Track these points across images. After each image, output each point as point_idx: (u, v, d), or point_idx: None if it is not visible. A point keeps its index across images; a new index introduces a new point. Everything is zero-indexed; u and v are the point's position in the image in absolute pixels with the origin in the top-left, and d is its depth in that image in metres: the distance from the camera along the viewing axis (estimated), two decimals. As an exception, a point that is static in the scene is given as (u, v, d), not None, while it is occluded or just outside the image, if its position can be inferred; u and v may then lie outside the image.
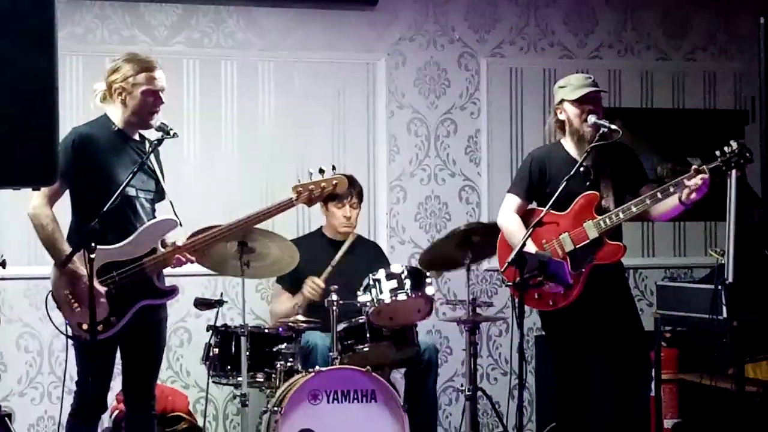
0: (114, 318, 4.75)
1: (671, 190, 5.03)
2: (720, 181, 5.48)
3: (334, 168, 5.14)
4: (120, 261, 4.76)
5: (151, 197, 4.96)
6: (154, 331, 4.97)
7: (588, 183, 5.22)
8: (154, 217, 4.94)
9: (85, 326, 4.63)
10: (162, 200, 5.03)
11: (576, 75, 5.41)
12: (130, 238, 4.79)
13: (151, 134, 4.86)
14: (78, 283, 4.66)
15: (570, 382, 5.31)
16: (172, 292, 4.93)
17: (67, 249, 4.66)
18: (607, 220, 5.13)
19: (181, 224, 4.89)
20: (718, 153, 4.97)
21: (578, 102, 5.24)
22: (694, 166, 4.97)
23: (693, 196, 4.97)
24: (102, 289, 4.67)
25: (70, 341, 4.80)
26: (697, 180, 4.93)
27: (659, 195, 5.06)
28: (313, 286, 6.08)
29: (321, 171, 5.05)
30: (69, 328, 4.76)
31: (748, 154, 4.94)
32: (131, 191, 4.78)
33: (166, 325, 5.05)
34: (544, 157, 5.38)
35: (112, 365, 4.91)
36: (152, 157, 4.91)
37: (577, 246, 5.17)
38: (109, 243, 4.71)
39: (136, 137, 4.94)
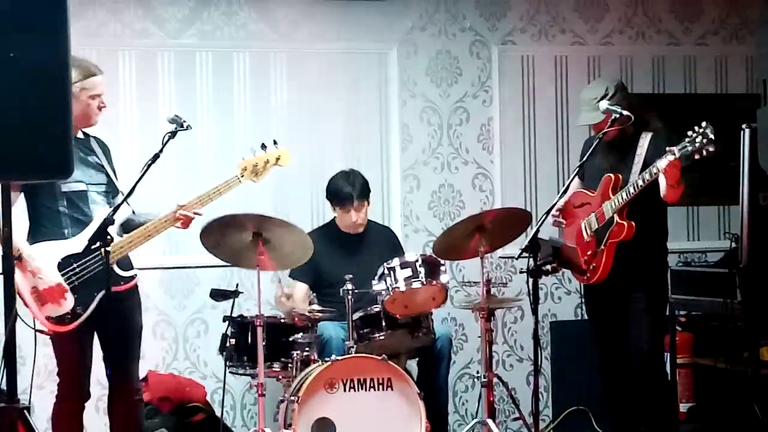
0: (80, 308, 4.84)
1: (654, 171, 5.03)
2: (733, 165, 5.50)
3: (275, 143, 5.19)
4: (79, 253, 4.81)
5: (102, 191, 5.03)
6: (126, 315, 5.03)
7: (612, 164, 5.27)
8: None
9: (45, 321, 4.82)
10: (116, 195, 5.08)
11: (583, 93, 5.48)
12: (86, 230, 4.86)
13: (165, 126, 4.90)
14: (38, 279, 4.80)
15: (610, 354, 5.42)
16: (132, 278, 5.00)
17: (21, 245, 4.75)
18: (617, 200, 5.17)
19: (134, 212, 5.01)
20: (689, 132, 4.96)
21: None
22: (668, 148, 4.98)
23: (663, 181, 5.02)
24: (65, 284, 4.80)
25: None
26: (663, 162, 4.95)
27: (646, 176, 5.07)
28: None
29: (263, 146, 5.16)
30: (37, 323, 4.85)
31: (711, 135, 4.88)
32: (80, 186, 4.89)
33: (140, 310, 5.14)
34: (587, 142, 5.60)
35: (88, 352, 5.01)
36: (101, 153, 5.04)
37: (600, 225, 5.25)
38: (66, 238, 4.84)
39: (80, 135, 5.01)
